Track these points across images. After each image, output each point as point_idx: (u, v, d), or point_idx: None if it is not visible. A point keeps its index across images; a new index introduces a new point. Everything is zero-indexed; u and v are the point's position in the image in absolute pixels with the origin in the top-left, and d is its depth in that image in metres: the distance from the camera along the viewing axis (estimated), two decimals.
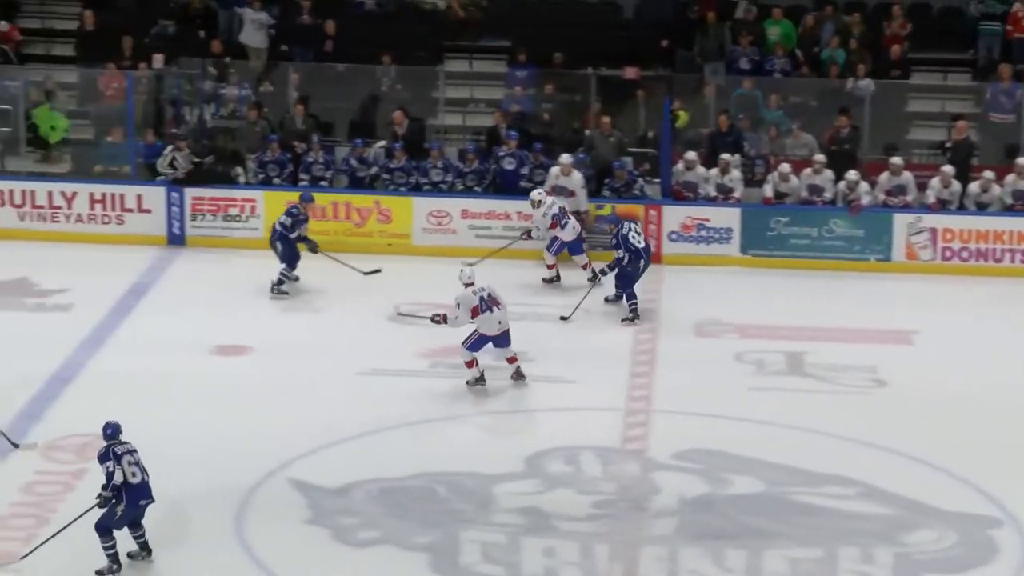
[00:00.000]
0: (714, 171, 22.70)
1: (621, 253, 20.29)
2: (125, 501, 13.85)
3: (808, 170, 22.51)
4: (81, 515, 14.06)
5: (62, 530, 14.14)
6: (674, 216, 22.49)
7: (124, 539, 13.97)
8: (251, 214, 22.87)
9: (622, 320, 20.32)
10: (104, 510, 13.86)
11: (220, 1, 25.68)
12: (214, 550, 14.39)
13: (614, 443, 16.82)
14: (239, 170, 23.33)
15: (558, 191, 21.89)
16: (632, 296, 20.31)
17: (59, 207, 22.87)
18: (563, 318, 20.20)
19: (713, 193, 22.63)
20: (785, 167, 22.50)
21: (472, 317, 17.77)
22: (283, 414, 17.27)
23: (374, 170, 23.24)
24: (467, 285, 17.82)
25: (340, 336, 19.76)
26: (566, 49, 24.70)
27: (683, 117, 23.87)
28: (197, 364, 18.67)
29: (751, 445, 16.54)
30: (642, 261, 20.33)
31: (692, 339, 19.93)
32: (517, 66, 24.75)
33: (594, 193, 22.56)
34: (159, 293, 21.43)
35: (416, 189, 23.02)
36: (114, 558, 13.91)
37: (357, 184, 23.13)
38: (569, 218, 21.37)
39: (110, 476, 13.77)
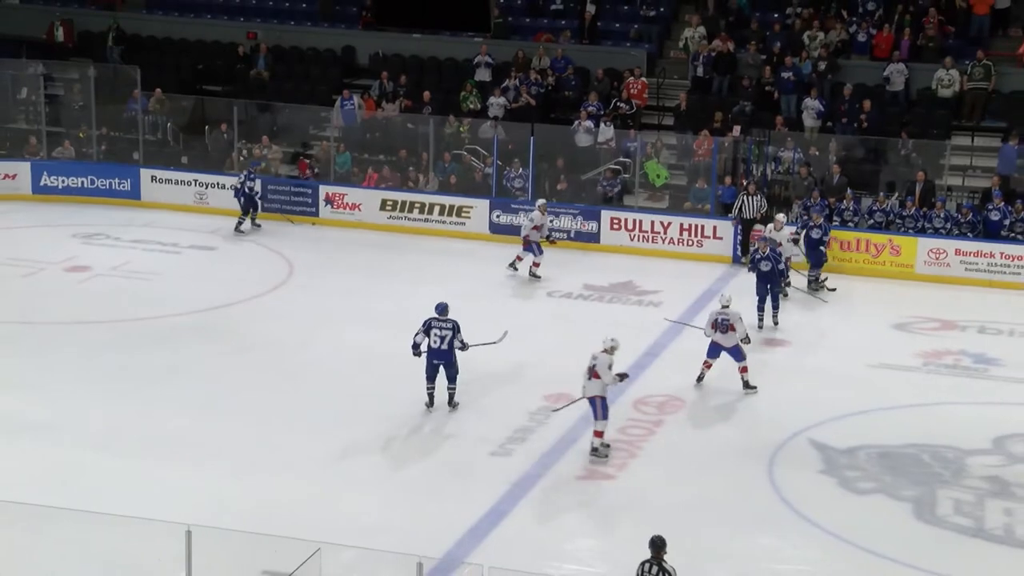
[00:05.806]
0: None
1: None
2: (426, 359, 15.56)
3: None
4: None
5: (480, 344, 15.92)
6: None
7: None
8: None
9: None
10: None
11: (784, 90, 25.42)
12: (751, 486, 14.37)
13: None
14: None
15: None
16: None
17: (658, 232, 23.17)
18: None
19: None
20: None
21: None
22: (802, 392, 16.97)
23: (889, 216, 22.58)
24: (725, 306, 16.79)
25: (850, 338, 19.19)
26: None
27: None
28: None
29: None
30: None
31: None
32: (1008, 145, 23.47)
33: None
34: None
35: (921, 232, 22.26)
36: (431, 398, 15.70)
37: (873, 226, 22.55)
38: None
39: (416, 337, 15.51)
